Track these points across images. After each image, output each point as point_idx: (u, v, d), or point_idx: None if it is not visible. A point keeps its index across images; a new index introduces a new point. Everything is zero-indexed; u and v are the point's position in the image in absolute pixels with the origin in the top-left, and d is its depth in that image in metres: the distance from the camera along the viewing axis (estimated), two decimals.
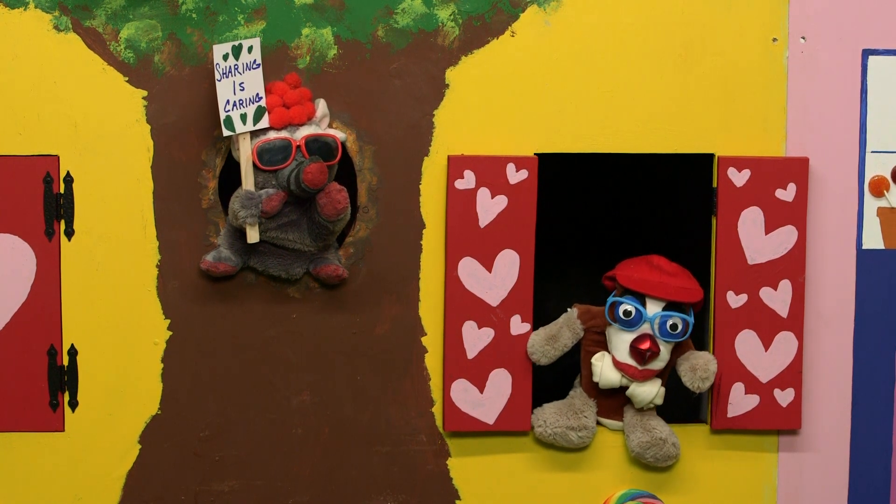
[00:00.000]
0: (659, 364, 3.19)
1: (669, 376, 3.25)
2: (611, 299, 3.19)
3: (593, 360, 3.21)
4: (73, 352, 3.16)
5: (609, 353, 3.21)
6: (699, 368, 3.18)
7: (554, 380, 3.35)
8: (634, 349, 3.16)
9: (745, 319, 3.24)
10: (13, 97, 3.11)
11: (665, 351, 3.18)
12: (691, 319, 3.18)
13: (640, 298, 3.18)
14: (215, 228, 3.17)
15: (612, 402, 3.26)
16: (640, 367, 3.17)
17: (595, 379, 3.21)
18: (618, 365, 3.19)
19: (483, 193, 3.18)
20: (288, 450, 3.22)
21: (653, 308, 3.17)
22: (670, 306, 3.18)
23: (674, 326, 3.17)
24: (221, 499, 3.22)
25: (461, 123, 3.19)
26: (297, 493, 3.24)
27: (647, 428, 3.23)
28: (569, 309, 3.24)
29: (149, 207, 3.15)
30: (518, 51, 3.19)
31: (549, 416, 3.22)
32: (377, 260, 3.20)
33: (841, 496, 3.32)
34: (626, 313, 3.18)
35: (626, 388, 3.21)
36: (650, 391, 3.20)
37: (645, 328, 3.18)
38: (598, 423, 3.26)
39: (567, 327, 3.22)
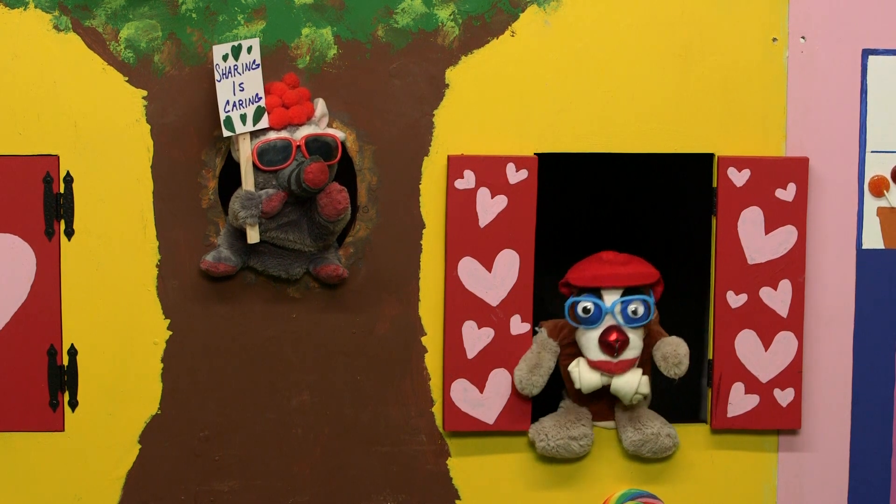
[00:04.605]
0: (633, 352, 3.18)
1: (656, 373, 3.25)
2: (568, 302, 3.19)
3: (570, 368, 3.20)
4: (72, 352, 3.16)
5: (583, 356, 3.20)
6: (670, 356, 3.18)
7: (549, 383, 3.34)
8: (604, 343, 3.15)
9: (744, 319, 3.24)
10: (13, 97, 3.11)
11: (636, 337, 3.17)
12: (652, 300, 3.18)
13: (597, 294, 3.17)
14: (215, 228, 3.17)
15: (602, 405, 3.25)
16: (614, 360, 3.17)
17: (577, 386, 3.20)
18: (593, 364, 3.18)
19: (483, 193, 3.18)
20: (288, 450, 3.22)
21: (610, 299, 3.16)
22: (628, 293, 3.17)
23: (635, 311, 3.17)
24: (221, 499, 3.22)
25: (461, 123, 3.19)
26: (297, 493, 3.24)
27: (637, 426, 3.23)
28: (536, 330, 3.24)
29: (149, 207, 3.15)
30: (518, 51, 3.19)
31: (550, 430, 3.22)
32: (377, 260, 3.20)
33: (841, 496, 3.32)
34: (586, 310, 3.17)
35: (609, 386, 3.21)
36: (632, 381, 3.18)
37: (608, 320, 3.17)
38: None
39: (544, 350, 3.21)
